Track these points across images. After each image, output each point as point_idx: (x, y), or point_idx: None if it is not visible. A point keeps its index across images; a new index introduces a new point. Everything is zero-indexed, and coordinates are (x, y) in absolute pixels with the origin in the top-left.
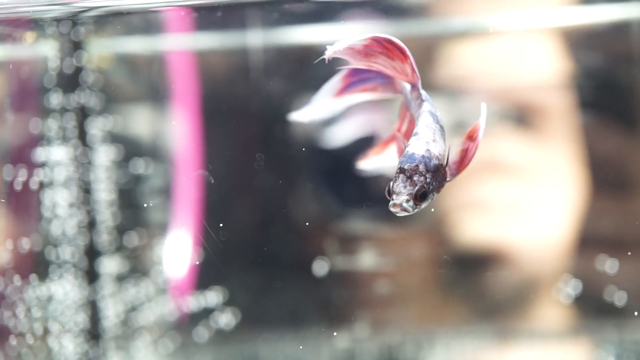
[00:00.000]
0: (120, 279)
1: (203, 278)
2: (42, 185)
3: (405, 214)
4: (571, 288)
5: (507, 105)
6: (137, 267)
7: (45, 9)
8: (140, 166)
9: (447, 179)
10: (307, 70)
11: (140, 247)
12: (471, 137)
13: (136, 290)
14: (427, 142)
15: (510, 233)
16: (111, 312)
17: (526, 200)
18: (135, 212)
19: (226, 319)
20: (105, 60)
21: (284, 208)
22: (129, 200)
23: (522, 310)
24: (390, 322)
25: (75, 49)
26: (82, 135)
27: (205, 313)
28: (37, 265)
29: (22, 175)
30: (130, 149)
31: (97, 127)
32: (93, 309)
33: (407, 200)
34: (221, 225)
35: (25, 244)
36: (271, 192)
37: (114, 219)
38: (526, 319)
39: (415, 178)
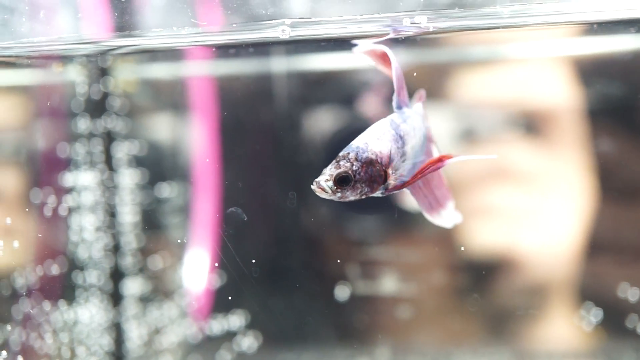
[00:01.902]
0: (144, 301)
1: (225, 301)
2: (69, 210)
3: (324, 195)
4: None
5: (516, 113)
6: (161, 289)
7: (75, 47)
8: (163, 188)
9: (389, 182)
10: (324, 94)
11: (163, 269)
12: (440, 160)
13: (160, 313)
14: (369, 138)
15: (519, 240)
16: (135, 334)
17: (535, 207)
18: (158, 234)
19: (248, 342)
20: (131, 85)
21: (305, 231)
22: (152, 222)
23: (532, 319)
24: (410, 347)
25: (103, 74)
26: (109, 160)
27: (228, 336)
28: (64, 288)
29: (50, 199)
30: (154, 171)
31: (122, 151)
32: (117, 331)
33: (327, 180)
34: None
35: (53, 267)
36: (291, 214)
37: (137, 242)
38: (536, 328)
39: (341, 162)
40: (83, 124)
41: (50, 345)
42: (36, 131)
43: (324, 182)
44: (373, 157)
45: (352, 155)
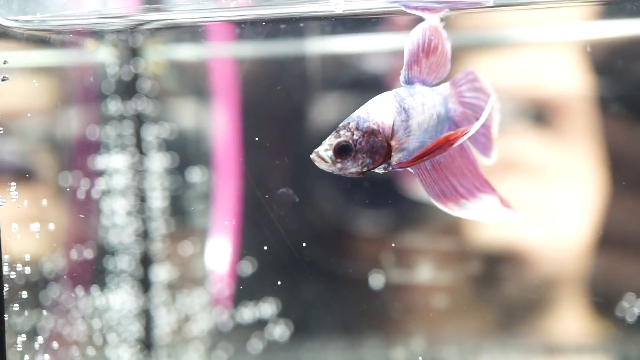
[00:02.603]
0: (174, 288)
1: (257, 289)
2: (101, 193)
3: (324, 165)
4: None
5: (525, 103)
6: (190, 276)
7: (106, 22)
8: (191, 173)
9: (393, 155)
10: (352, 77)
11: (193, 255)
12: (447, 140)
13: (190, 300)
14: (371, 108)
15: (529, 233)
16: (164, 322)
17: (545, 199)
18: (187, 219)
19: (280, 331)
20: (159, 67)
21: (339, 220)
22: (181, 207)
23: (541, 312)
24: (445, 336)
25: (133, 55)
26: (139, 143)
27: (259, 324)
28: (95, 274)
29: (81, 182)
30: (182, 155)
31: (152, 134)
32: (147, 318)
33: (326, 150)
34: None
35: (85, 252)
36: (325, 202)
37: (167, 227)
38: (547, 322)
39: (342, 132)
40: (114, 106)
41: (81, 331)
42: (67, 113)
43: (323, 151)
44: (375, 126)
45: (352, 125)
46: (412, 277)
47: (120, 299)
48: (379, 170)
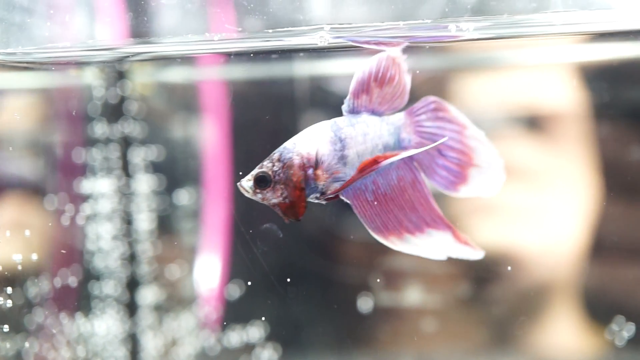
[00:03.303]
0: (160, 311)
1: (243, 312)
2: (86, 217)
3: (247, 195)
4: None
5: (519, 109)
6: (177, 299)
7: (93, 54)
8: (179, 194)
9: (319, 184)
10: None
11: (179, 278)
12: (374, 161)
13: (177, 323)
14: (299, 139)
15: (522, 238)
16: (151, 346)
17: (538, 205)
18: (174, 241)
19: (267, 354)
20: (147, 88)
21: (327, 241)
22: (168, 228)
23: (534, 322)
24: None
25: (120, 78)
26: (125, 165)
27: (247, 348)
28: (80, 298)
29: (66, 206)
30: (170, 177)
31: (139, 156)
32: (133, 342)
33: (248, 180)
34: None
35: (69, 277)
36: (314, 223)
37: (153, 249)
38: (539, 331)
39: (265, 163)
40: (100, 129)
41: (65, 356)
42: (52, 136)
43: (245, 181)
44: (297, 158)
45: (276, 156)
46: (400, 298)
47: (106, 324)
48: (312, 199)
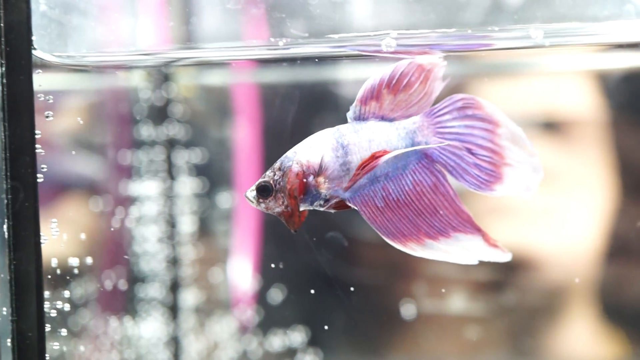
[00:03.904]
0: (203, 314)
1: (286, 316)
2: (133, 220)
3: (253, 205)
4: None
5: (537, 113)
6: (220, 303)
7: (143, 58)
8: (220, 197)
9: (322, 192)
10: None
11: (221, 282)
12: (372, 157)
13: (219, 327)
14: (300, 147)
15: (538, 239)
16: (193, 349)
17: (554, 206)
18: (216, 244)
19: (309, 359)
20: (190, 90)
21: (372, 247)
22: (209, 231)
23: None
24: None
25: (165, 80)
26: (170, 168)
27: (289, 352)
28: (125, 301)
29: (112, 209)
30: (211, 180)
31: (182, 158)
32: (176, 345)
33: (252, 190)
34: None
35: (115, 279)
36: (356, 228)
37: (196, 252)
38: (556, 332)
39: (267, 172)
40: (146, 131)
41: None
42: (103, 138)
43: (249, 192)
44: (296, 166)
45: (277, 165)
46: (443, 305)
47: (150, 327)
48: (317, 207)
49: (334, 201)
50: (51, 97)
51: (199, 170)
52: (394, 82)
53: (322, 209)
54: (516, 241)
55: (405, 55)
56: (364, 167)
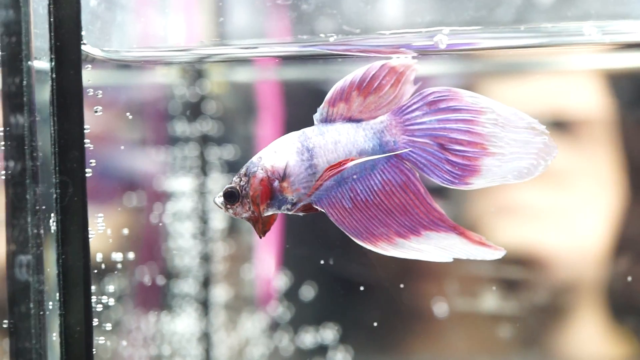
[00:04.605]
0: (234, 310)
1: (318, 314)
2: (168, 216)
3: (221, 210)
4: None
5: (544, 112)
6: (250, 299)
7: (175, 54)
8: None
9: (287, 196)
10: None
11: (253, 278)
12: (339, 164)
13: (250, 323)
14: (265, 152)
15: (546, 238)
16: (224, 345)
17: (562, 204)
18: (247, 240)
19: (340, 356)
20: (221, 87)
21: None
22: (239, 228)
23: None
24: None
25: (199, 76)
26: (203, 164)
27: (321, 350)
28: (161, 298)
29: (153, 205)
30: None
31: (215, 155)
32: (208, 341)
33: (220, 196)
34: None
35: (157, 276)
36: None
37: (228, 249)
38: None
39: (234, 178)
40: (180, 127)
41: (149, 354)
42: (143, 133)
43: (217, 198)
44: (261, 172)
45: (243, 171)
46: (475, 304)
47: (183, 322)
48: (284, 211)
49: (300, 204)
50: (100, 91)
51: (230, 167)
52: (364, 84)
53: (290, 213)
54: (523, 240)
55: (376, 54)
56: (329, 173)
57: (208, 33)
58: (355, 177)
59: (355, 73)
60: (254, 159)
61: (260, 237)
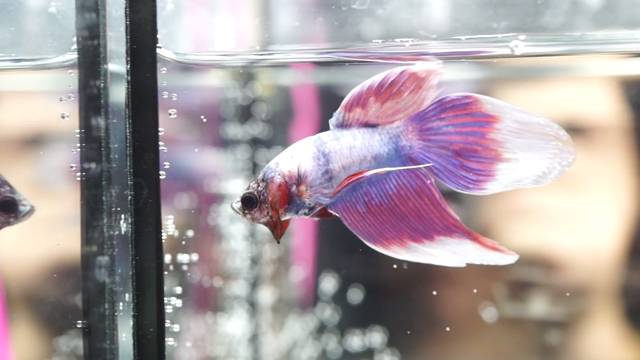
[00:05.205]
0: (282, 312)
1: (365, 317)
2: (222, 218)
3: (238, 215)
4: None
5: (558, 116)
6: (298, 301)
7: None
8: None
9: (305, 201)
10: None
11: (302, 280)
12: (352, 176)
13: (299, 325)
14: (282, 157)
15: (560, 242)
16: (273, 347)
17: (577, 208)
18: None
19: None
20: (268, 90)
21: None
22: (288, 231)
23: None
24: None
25: (250, 79)
26: (254, 167)
27: (368, 353)
28: (214, 299)
29: (210, 207)
30: None
31: (263, 158)
32: (257, 342)
33: (237, 202)
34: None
35: (213, 278)
36: None
37: (277, 251)
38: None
39: (251, 184)
40: (232, 130)
41: (207, 356)
42: (195, 135)
43: (234, 203)
44: (279, 177)
45: (260, 176)
46: (525, 310)
47: (234, 324)
48: (302, 216)
49: (318, 209)
50: (175, 94)
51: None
52: (383, 90)
53: (307, 217)
54: (538, 244)
55: (397, 61)
56: (349, 180)
57: (257, 37)
58: (370, 180)
59: (373, 79)
60: (271, 164)
61: (278, 242)
